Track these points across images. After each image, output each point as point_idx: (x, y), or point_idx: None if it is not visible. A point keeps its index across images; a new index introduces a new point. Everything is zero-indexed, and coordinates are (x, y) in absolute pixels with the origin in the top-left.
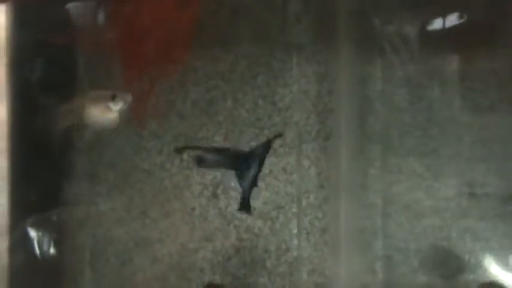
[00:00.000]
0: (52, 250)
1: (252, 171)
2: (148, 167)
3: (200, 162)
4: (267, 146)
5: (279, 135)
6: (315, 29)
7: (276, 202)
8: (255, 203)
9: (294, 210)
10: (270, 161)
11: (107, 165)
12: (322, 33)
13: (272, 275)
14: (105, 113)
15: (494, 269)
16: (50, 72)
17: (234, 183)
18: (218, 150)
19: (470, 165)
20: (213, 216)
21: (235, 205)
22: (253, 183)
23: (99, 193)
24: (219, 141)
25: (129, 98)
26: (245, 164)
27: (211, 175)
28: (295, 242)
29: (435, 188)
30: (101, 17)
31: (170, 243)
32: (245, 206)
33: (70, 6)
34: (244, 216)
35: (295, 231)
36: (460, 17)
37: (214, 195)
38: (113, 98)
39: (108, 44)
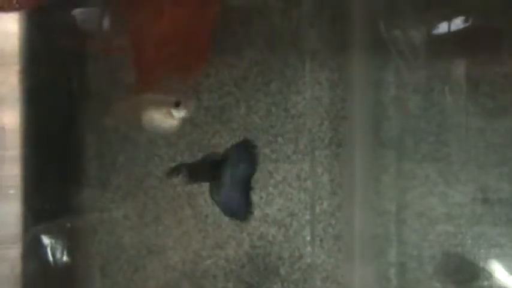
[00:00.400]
0: (65, 258)
1: (227, 179)
2: (161, 174)
3: (184, 177)
4: (244, 147)
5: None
6: (328, 35)
7: (289, 209)
8: (268, 209)
9: (308, 217)
10: (283, 167)
11: (119, 172)
12: (335, 39)
13: (286, 282)
14: (167, 119)
15: (508, 275)
16: (63, 79)
17: None
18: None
19: (483, 170)
20: (226, 223)
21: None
22: (242, 188)
23: (112, 200)
24: None
25: (192, 105)
26: (217, 172)
27: None
28: (309, 249)
29: (449, 194)
30: (116, 23)
31: (183, 251)
32: (235, 212)
33: (84, 12)
34: (257, 223)
35: (308, 238)
36: (472, 21)
37: None
38: (177, 105)
39: (123, 51)
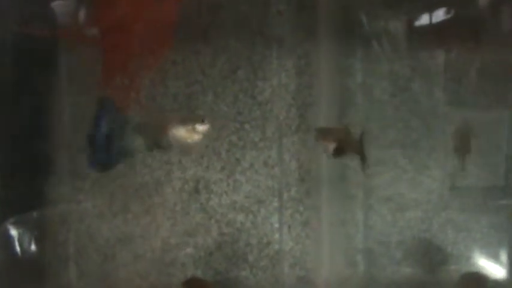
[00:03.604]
0: (34, 248)
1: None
2: (129, 163)
3: None
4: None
5: None
6: (296, 22)
7: (257, 196)
8: (236, 196)
9: (275, 204)
10: (250, 154)
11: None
12: (302, 26)
13: (254, 268)
14: (191, 135)
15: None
16: (28, 69)
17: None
18: None
19: (451, 157)
20: (195, 211)
21: (216, 200)
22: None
23: (80, 189)
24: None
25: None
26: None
27: (192, 170)
28: (277, 235)
29: (417, 180)
30: (80, 10)
31: (152, 239)
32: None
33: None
34: (225, 210)
35: (276, 225)
36: (443, 11)
37: (196, 190)
38: (202, 121)
39: (89, 37)
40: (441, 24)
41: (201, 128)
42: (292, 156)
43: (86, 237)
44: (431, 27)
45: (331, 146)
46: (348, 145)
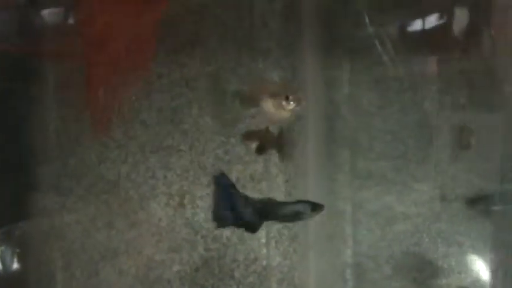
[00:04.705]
0: (16, 264)
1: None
2: (113, 177)
3: None
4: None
5: None
6: (281, 34)
7: None
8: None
9: None
10: (236, 169)
11: (71, 176)
12: (288, 38)
13: (241, 285)
14: (279, 110)
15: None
16: (9, 82)
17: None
18: None
19: (440, 168)
20: (180, 226)
21: (202, 215)
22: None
23: (63, 205)
24: (184, 150)
25: (302, 100)
26: None
27: (178, 185)
28: (264, 251)
29: (405, 193)
30: (61, 24)
31: (137, 255)
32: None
33: (30, 13)
34: (211, 225)
35: (263, 240)
36: (429, 20)
37: (181, 205)
38: (287, 99)
39: (70, 51)
40: (427, 33)
41: (287, 105)
42: (279, 170)
43: (70, 254)
44: (418, 37)
45: (254, 145)
46: (268, 143)
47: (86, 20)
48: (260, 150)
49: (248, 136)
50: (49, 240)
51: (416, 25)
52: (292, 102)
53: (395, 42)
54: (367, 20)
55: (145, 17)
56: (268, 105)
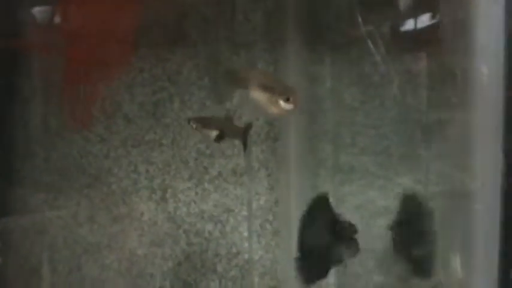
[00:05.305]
0: None
1: None
2: (95, 172)
3: None
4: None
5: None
6: (263, 29)
7: (225, 205)
8: (204, 206)
9: (244, 212)
10: (219, 162)
11: (52, 171)
12: (270, 32)
13: (223, 279)
14: (274, 106)
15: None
16: None
17: None
18: None
19: (423, 163)
20: (162, 220)
21: (184, 209)
22: None
23: (45, 200)
24: (166, 145)
25: (297, 99)
26: None
27: (160, 179)
28: (246, 245)
29: (388, 187)
30: (41, 18)
31: (119, 250)
32: None
33: (10, 8)
34: (193, 220)
35: (245, 234)
36: (408, 16)
37: (163, 199)
38: (287, 100)
39: (50, 45)
40: (410, 29)
41: (285, 105)
42: (261, 165)
43: (52, 248)
44: (402, 33)
45: (214, 133)
46: (229, 131)
47: (65, 13)
48: (219, 138)
49: (204, 124)
50: (31, 235)
51: (400, 21)
52: (290, 104)
53: (378, 37)
54: (350, 15)
55: (124, 10)
56: (262, 98)
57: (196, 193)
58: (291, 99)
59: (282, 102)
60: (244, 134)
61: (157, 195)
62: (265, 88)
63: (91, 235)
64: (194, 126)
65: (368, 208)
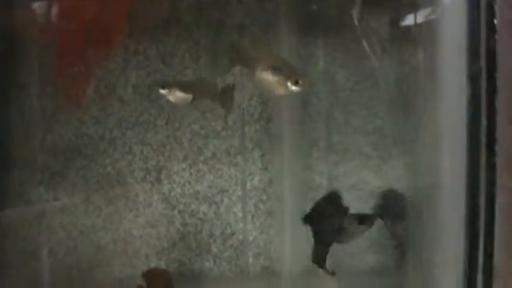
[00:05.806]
0: None
1: None
2: (90, 153)
3: None
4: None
5: None
6: (256, 11)
7: (220, 186)
8: (199, 186)
9: (239, 193)
10: (213, 143)
11: (48, 152)
12: (263, 14)
13: (218, 259)
14: (282, 87)
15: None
16: None
17: None
18: None
19: (416, 144)
20: (157, 201)
21: (178, 190)
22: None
23: (41, 181)
24: (161, 125)
25: (305, 82)
26: None
27: (154, 160)
28: (241, 225)
29: (383, 167)
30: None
31: (114, 230)
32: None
33: None
34: (188, 200)
35: (240, 214)
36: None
37: (158, 180)
38: (296, 83)
39: (41, 27)
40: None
41: (292, 88)
42: (255, 145)
43: (48, 230)
44: (394, 15)
45: (188, 98)
46: (206, 94)
47: None
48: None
49: (182, 87)
50: (26, 217)
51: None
52: (298, 86)
53: (370, 19)
54: None
55: None
56: (270, 79)
57: (191, 174)
58: (300, 82)
59: (291, 85)
60: (223, 94)
61: (152, 176)
62: (275, 69)
63: (86, 216)
64: (165, 91)
65: (361, 188)
